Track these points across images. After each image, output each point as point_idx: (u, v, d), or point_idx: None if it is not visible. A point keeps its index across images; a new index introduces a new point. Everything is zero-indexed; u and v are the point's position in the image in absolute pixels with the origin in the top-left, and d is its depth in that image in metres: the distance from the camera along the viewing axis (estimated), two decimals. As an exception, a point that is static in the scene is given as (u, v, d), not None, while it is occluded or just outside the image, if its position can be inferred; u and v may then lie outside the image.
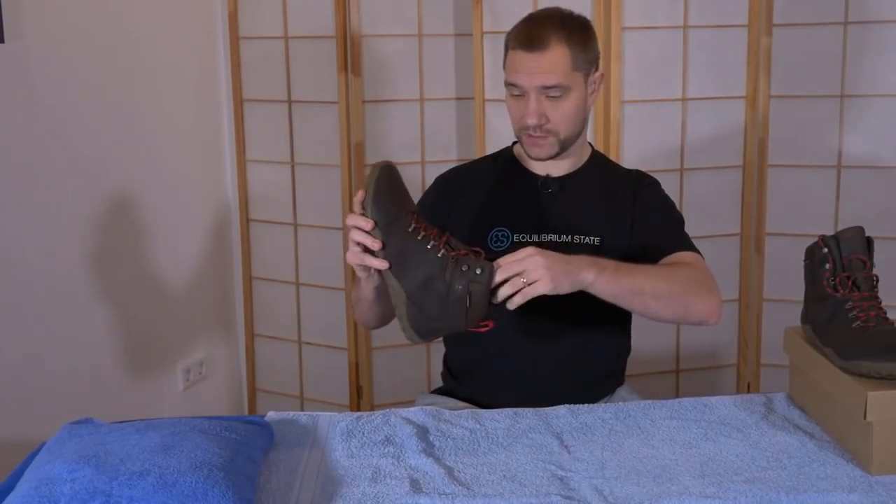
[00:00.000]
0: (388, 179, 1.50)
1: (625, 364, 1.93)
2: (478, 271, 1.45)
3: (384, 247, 1.48)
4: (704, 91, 2.69)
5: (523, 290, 1.48)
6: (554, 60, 1.72)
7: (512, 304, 1.49)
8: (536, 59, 1.72)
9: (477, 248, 1.50)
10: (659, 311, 1.65)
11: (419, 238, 1.47)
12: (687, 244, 1.79)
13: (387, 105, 2.78)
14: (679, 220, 1.86)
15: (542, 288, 1.48)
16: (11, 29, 2.11)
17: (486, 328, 1.51)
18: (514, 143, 1.94)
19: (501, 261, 1.49)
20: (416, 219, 1.49)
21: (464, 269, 1.45)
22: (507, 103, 1.82)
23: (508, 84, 1.77)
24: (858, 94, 2.62)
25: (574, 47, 1.74)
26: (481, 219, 1.85)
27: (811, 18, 2.61)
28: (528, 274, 1.48)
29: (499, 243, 1.82)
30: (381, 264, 1.48)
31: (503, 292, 1.48)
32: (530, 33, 1.74)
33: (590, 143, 1.93)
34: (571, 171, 1.87)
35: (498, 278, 1.47)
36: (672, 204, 1.90)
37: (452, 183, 1.94)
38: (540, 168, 1.87)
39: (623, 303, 1.62)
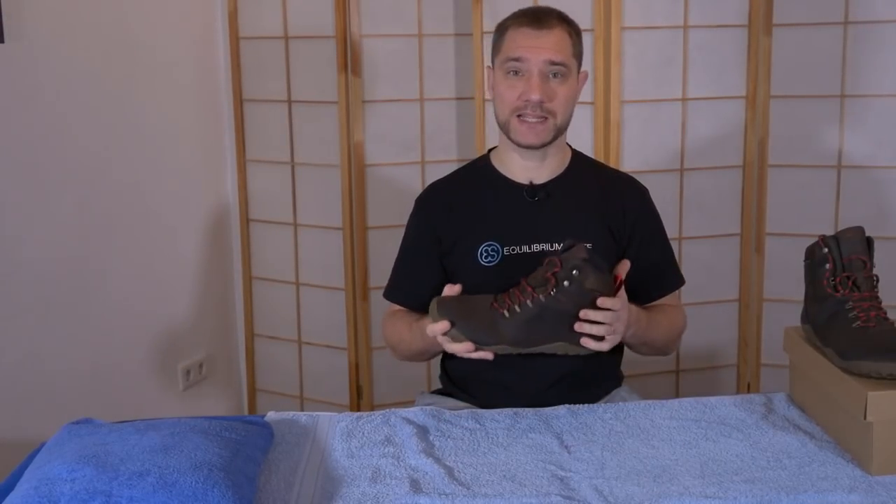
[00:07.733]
0: (447, 306, 1.59)
1: (619, 362, 1.93)
2: (552, 292, 1.55)
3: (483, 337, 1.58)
4: (704, 91, 2.69)
5: (608, 340, 1.57)
6: (559, 39, 1.77)
7: (603, 347, 1.58)
8: (545, 36, 1.75)
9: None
10: (645, 353, 1.88)
11: (501, 315, 1.56)
12: (675, 280, 1.93)
13: (387, 105, 2.78)
14: (669, 247, 1.94)
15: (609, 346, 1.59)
16: (11, 29, 2.11)
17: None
18: (490, 150, 1.93)
19: (602, 303, 1.55)
20: (492, 303, 1.58)
21: (543, 297, 1.55)
22: (498, 89, 1.80)
23: (510, 60, 1.76)
24: (858, 94, 2.62)
25: (573, 36, 1.80)
26: (469, 235, 1.83)
27: (811, 18, 2.61)
28: (615, 328, 1.57)
29: (489, 258, 1.81)
30: (486, 355, 1.59)
31: (591, 330, 1.56)
32: (535, 15, 1.78)
33: (568, 144, 1.91)
34: (555, 175, 1.86)
35: (592, 317, 1.55)
36: (660, 220, 1.93)
37: (434, 202, 1.90)
38: (522, 176, 1.85)
39: (629, 345, 1.82)
